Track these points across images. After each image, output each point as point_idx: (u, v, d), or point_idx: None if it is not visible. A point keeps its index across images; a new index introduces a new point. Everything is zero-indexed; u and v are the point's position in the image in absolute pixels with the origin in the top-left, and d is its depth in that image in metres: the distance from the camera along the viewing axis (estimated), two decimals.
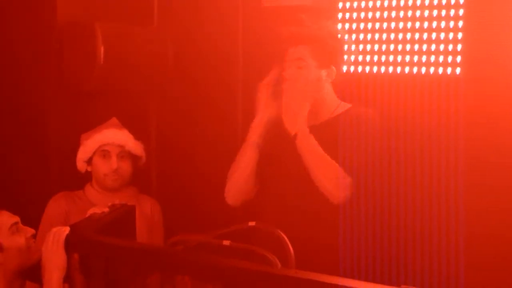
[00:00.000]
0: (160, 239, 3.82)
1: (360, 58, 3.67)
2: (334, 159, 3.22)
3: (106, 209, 3.26)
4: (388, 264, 3.21)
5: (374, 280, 2.34)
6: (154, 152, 4.24)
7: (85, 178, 3.92)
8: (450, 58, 3.45)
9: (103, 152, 3.76)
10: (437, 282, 3.09)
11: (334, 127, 3.34)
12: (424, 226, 3.35)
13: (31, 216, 3.31)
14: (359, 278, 2.38)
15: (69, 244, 2.86)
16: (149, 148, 3.98)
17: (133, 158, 3.82)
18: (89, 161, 3.82)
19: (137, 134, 3.88)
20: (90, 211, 3.29)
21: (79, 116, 4.10)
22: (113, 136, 3.76)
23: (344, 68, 3.56)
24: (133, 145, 3.80)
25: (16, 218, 3.08)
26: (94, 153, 3.78)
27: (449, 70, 3.46)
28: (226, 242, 2.86)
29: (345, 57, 3.54)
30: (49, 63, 4.11)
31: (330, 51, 3.38)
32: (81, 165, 3.84)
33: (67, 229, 2.90)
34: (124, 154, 3.78)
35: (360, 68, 3.69)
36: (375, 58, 3.65)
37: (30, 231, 3.11)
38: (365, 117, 3.35)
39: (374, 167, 3.27)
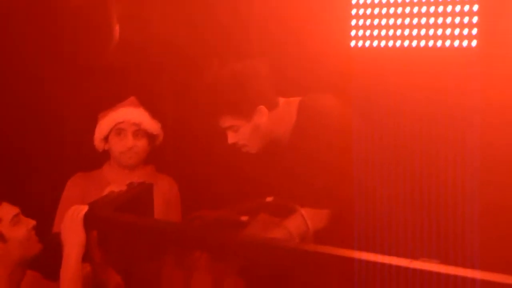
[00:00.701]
0: (177, 216, 3.83)
1: (375, 32, 3.64)
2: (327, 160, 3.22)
3: (124, 187, 3.28)
4: (406, 236, 3.21)
5: (391, 254, 2.33)
6: (171, 129, 4.22)
7: (102, 158, 3.93)
8: (466, 31, 3.42)
9: (118, 130, 3.77)
10: (454, 254, 3.09)
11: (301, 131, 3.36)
12: (442, 198, 3.34)
13: (48, 199, 3.32)
14: (377, 252, 2.36)
15: (88, 222, 2.88)
16: (166, 125, 3.97)
17: (150, 136, 3.82)
18: (106, 140, 3.82)
19: (154, 110, 3.88)
20: (108, 189, 3.31)
21: (96, 94, 4.10)
22: (128, 114, 3.77)
23: (359, 43, 3.54)
24: (149, 124, 3.80)
25: (17, 210, 3.08)
26: (110, 131, 3.78)
27: (465, 43, 3.43)
28: (244, 218, 2.88)
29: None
30: (64, 41, 4.11)
31: (238, 99, 3.33)
32: (98, 143, 3.85)
33: (85, 207, 2.92)
34: (140, 132, 3.78)
35: (375, 43, 3.67)
36: (390, 32, 3.62)
37: (31, 222, 3.11)
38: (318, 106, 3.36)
39: (385, 142, 3.27)
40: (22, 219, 3.08)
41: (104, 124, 3.79)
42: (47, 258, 2.98)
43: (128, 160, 3.78)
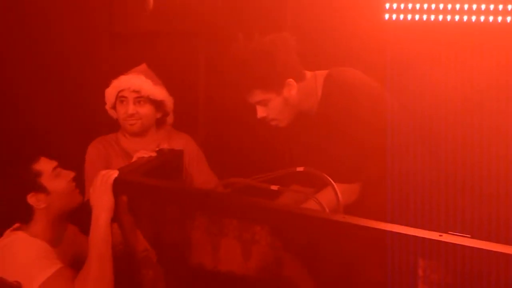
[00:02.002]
0: (207, 172, 3.82)
1: (410, 5, 3.62)
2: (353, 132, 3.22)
3: (154, 154, 3.29)
4: (436, 210, 3.20)
5: (419, 227, 2.33)
6: (203, 95, 4.22)
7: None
8: (501, 6, 3.40)
9: (121, 98, 3.75)
10: (479, 229, 3.08)
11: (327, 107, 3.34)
12: (471, 172, 3.33)
13: (72, 162, 3.34)
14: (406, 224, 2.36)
15: (117, 187, 2.89)
16: (197, 91, 3.97)
17: (154, 103, 3.79)
18: (115, 108, 3.82)
19: (186, 77, 3.87)
20: (138, 155, 3.32)
21: (129, 59, 4.11)
22: (128, 82, 3.73)
23: (393, 16, 3.52)
24: (150, 90, 3.74)
25: (55, 163, 3.13)
26: (116, 99, 3.78)
27: (499, 18, 3.41)
28: (274, 187, 2.88)
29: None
30: (101, 8, 4.11)
31: (267, 73, 3.30)
32: (110, 112, 3.85)
33: (115, 172, 2.93)
34: (142, 99, 3.74)
35: (409, 16, 3.65)
36: (425, 5, 3.60)
37: (70, 174, 3.16)
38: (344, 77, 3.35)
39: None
40: (61, 171, 3.14)
41: (109, 93, 3.78)
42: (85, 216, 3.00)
43: (130, 128, 3.75)
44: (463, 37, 3.48)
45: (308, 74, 3.42)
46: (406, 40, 3.57)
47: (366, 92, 3.30)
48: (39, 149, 3.23)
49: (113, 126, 3.87)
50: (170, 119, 3.88)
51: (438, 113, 3.49)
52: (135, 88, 3.71)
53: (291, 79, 3.32)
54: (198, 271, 2.73)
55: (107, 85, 3.74)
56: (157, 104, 3.78)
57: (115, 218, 2.90)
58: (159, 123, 3.85)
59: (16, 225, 3.11)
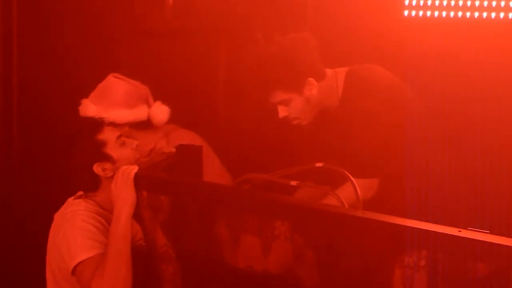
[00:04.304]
0: (218, 168, 3.78)
1: (429, 2, 3.61)
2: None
3: (173, 149, 3.31)
4: (455, 206, 3.20)
5: (438, 222, 2.33)
6: (222, 92, 4.24)
7: None
8: None
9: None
10: (499, 224, 3.07)
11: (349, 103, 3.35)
12: (491, 168, 3.32)
13: None
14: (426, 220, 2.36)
15: (137, 182, 2.91)
16: (217, 88, 3.98)
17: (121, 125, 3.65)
18: None
19: (206, 74, 3.88)
20: (157, 150, 3.34)
21: (149, 56, 4.13)
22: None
23: (412, 12, 3.52)
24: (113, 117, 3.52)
25: (119, 132, 3.17)
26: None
27: None
28: (294, 183, 2.88)
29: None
30: (121, 4, 4.14)
31: (288, 74, 3.33)
32: None
33: (135, 167, 2.95)
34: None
35: (428, 13, 3.64)
36: (444, 2, 3.60)
37: (134, 142, 3.18)
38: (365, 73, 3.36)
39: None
40: (125, 140, 3.17)
41: None
42: None
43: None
44: (484, 33, 3.48)
45: (329, 72, 3.43)
46: (426, 37, 3.56)
47: (386, 87, 3.31)
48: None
49: None
50: (160, 113, 3.66)
51: (458, 109, 3.49)
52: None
53: (311, 79, 3.34)
54: (217, 266, 2.74)
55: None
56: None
57: (135, 213, 2.92)
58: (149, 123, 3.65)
59: (79, 193, 3.16)
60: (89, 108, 3.44)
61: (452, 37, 3.54)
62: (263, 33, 3.43)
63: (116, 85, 3.48)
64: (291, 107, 3.38)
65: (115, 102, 3.43)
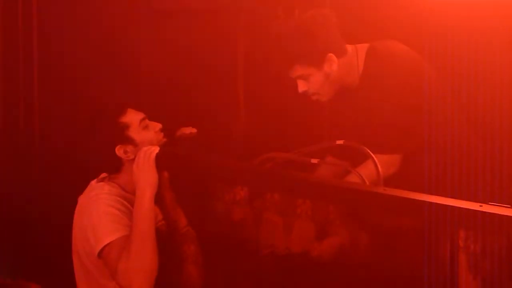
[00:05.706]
0: None
1: None
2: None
3: (194, 130, 3.31)
4: (474, 181, 3.18)
5: (460, 198, 2.33)
6: (242, 74, 4.22)
7: None
8: None
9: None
10: None
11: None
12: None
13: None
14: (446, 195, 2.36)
15: (159, 162, 2.91)
16: (237, 67, 3.97)
17: None
18: None
19: (224, 56, 3.87)
20: (179, 131, 3.34)
21: (167, 37, 4.13)
22: None
23: None
24: None
25: (142, 115, 3.14)
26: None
27: None
28: (314, 160, 2.88)
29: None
30: None
31: (308, 48, 3.30)
32: None
33: (156, 148, 2.96)
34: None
35: None
36: None
37: (158, 125, 3.15)
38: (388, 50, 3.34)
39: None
40: (149, 123, 3.14)
41: None
42: None
43: None
44: (504, 14, 3.44)
45: (349, 48, 3.42)
46: (448, 12, 3.53)
47: (407, 64, 3.30)
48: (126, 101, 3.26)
49: None
50: None
51: (479, 84, 3.46)
52: None
53: (331, 54, 3.33)
54: (239, 246, 2.75)
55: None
56: None
57: (157, 194, 2.93)
58: None
59: (103, 175, 3.15)
60: None
61: (478, 14, 3.51)
62: (283, 10, 3.42)
63: None
64: (311, 82, 3.37)
65: None
